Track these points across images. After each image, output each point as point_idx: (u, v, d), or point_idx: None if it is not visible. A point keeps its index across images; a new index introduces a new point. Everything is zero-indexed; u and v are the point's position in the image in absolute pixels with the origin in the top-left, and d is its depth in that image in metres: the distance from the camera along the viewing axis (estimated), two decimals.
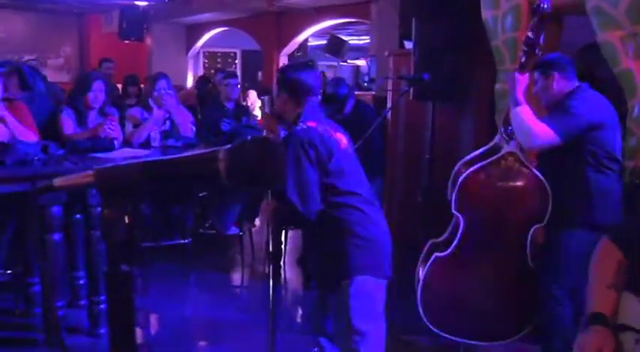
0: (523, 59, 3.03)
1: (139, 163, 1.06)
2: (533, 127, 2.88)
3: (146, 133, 4.44)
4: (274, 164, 0.95)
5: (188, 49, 12.82)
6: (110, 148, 4.07)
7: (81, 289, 3.81)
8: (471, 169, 3.10)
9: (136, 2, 10.54)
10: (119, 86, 7.81)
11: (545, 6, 2.90)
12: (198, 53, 13.03)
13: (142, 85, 7.21)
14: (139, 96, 6.89)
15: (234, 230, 5.02)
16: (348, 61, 14.13)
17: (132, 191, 1.04)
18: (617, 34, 3.16)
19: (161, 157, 1.15)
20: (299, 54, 10.96)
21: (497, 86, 4.09)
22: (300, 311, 4.29)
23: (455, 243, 3.12)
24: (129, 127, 4.48)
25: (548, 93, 3.01)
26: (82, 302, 3.77)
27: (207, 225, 5.25)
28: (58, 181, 1.11)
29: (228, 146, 0.97)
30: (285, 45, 10.58)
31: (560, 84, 2.97)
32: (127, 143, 4.33)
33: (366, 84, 13.57)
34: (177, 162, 1.09)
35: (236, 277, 5.00)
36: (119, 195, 1.06)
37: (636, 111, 3.17)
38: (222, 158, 0.96)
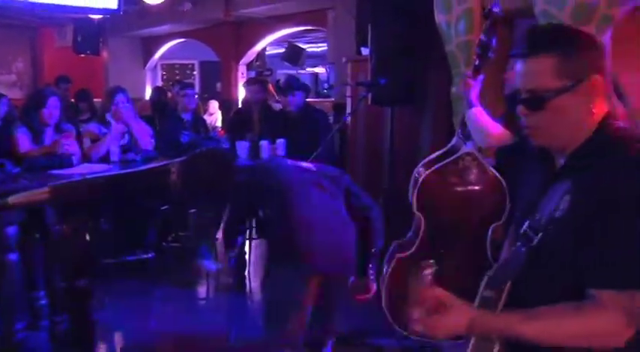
0: (477, 62, 3.09)
1: (93, 178, 1.06)
2: (489, 127, 2.94)
3: (105, 148, 4.38)
4: (227, 174, 0.95)
5: (145, 61, 12.69)
6: (68, 164, 4.00)
7: (41, 310, 3.72)
8: (430, 170, 3.15)
9: (90, 16, 10.38)
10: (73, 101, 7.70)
11: (497, 10, 2.97)
12: (156, 65, 12.91)
13: (98, 100, 7.12)
14: (91, 111, 6.83)
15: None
16: (307, 69, 14.19)
17: (88, 206, 1.04)
18: None
19: (115, 172, 1.15)
20: (257, 63, 10.95)
21: (453, 89, 4.16)
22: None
23: (416, 243, 3.16)
24: (87, 143, 4.42)
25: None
26: (43, 323, 3.69)
27: (170, 238, 5.19)
28: (13, 199, 1.09)
29: (181, 158, 0.98)
30: (243, 55, 10.57)
31: None
32: (85, 158, 4.27)
33: (325, 91, 13.65)
34: (131, 177, 1.09)
35: (201, 290, 4.95)
36: (75, 210, 1.05)
37: None
38: (175, 170, 0.96)
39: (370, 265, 2.85)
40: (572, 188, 1.35)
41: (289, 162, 2.87)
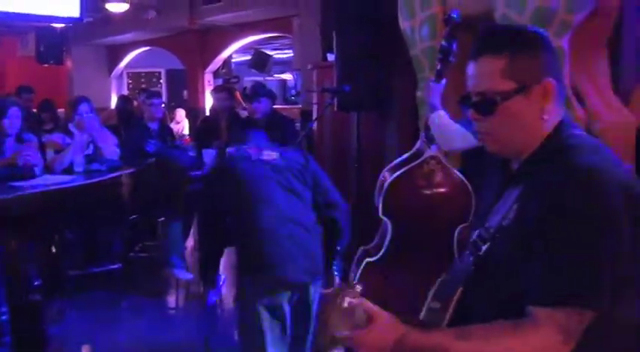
0: (439, 67, 3.13)
1: (41, 192, 1.03)
2: (451, 131, 2.97)
3: (69, 159, 4.31)
4: (176, 184, 0.94)
5: (111, 70, 12.55)
6: (30, 176, 3.92)
7: (3, 326, 3.63)
8: (395, 174, 3.16)
9: (53, 24, 10.21)
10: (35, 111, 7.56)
11: (455, 16, 3.02)
12: (121, 74, 12.78)
13: (62, 109, 7.01)
14: (54, 122, 6.74)
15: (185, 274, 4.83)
16: (274, 76, 14.18)
17: (38, 220, 1.01)
18: None
19: (64, 185, 1.13)
20: (223, 71, 10.91)
21: (418, 93, 4.19)
22: (236, 330, 4.24)
23: (384, 247, 3.17)
24: (50, 153, 4.34)
25: None
26: (5, 340, 3.59)
27: (137, 248, 5.13)
28: None
29: (131, 170, 0.96)
30: (209, 62, 10.53)
31: None
32: (48, 169, 4.19)
33: (292, 97, 13.65)
34: (81, 190, 1.07)
35: (171, 300, 4.89)
36: (24, 224, 1.02)
37: None
38: (126, 182, 0.95)
39: (334, 261, 2.88)
40: (520, 194, 1.31)
41: (258, 156, 2.88)
